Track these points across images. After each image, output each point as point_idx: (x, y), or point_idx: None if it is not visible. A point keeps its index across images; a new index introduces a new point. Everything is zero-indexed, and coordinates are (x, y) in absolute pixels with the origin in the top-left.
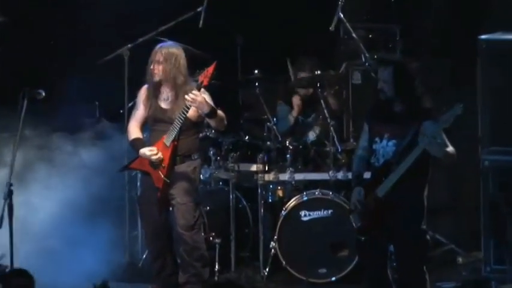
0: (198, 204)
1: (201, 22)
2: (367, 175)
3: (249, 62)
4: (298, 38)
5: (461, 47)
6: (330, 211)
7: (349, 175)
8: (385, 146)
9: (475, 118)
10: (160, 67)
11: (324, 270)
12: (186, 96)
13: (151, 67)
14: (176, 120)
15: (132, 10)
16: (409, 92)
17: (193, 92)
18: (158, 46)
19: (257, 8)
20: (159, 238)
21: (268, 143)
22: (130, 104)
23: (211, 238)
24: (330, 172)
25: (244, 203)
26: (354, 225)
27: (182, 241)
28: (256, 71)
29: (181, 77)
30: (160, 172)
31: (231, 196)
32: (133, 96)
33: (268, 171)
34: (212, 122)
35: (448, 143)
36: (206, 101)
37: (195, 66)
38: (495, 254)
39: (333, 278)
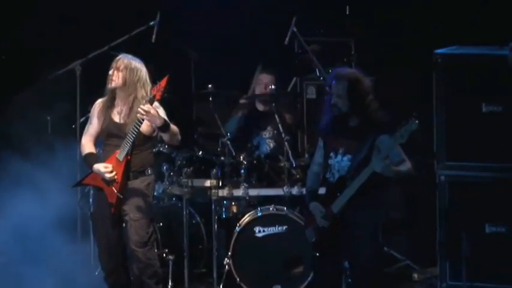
0: (152, 220)
1: (153, 37)
2: (322, 191)
3: (203, 77)
4: (252, 52)
5: (416, 61)
6: (284, 227)
7: (304, 191)
8: (340, 161)
9: (430, 132)
10: (120, 74)
11: (278, 287)
12: (139, 109)
13: (111, 73)
14: (129, 134)
15: (84, 24)
16: (364, 107)
17: (146, 105)
18: (122, 55)
19: (211, 22)
20: (112, 254)
21: (222, 158)
22: (82, 119)
23: (164, 255)
24: (285, 187)
25: (198, 219)
26: (309, 240)
27: (135, 258)
28: (210, 86)
29: (142, 91)
30: (113, 188)
31: (184, 212)
32: (85, 111)
33: (222, 187)
34: (165, 136)
35: (405, 157)
36: (159, 114)
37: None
38: (451, 270)
39: None
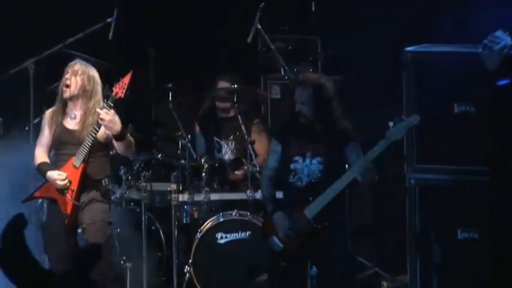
0: (110, 223)
1: (110, 34)
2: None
3: (162, 76)
4: (214, 50)
5: (385, 59)
6: (248, 233)
7: None
8: (309, 165)
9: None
10: (78, 80)
11: None
12: (98, 110)
13: (67, 78)
14: (86, 140)
15: (38, 21)
16: (329, 113)
17: (105, 108)
18: (76, 60)
19: (171, 19)
20: (66, 264)
21: (183, 161)
22: (36, 121)
23: (122, 262)
24: (248, 192)
25: (157, 225)
26: (274, 249)
27: (95, 263)
28: (169, 85)
29: (97, 96)
30: (68, 195)
31: (143, 217)
32: (39, 112)
33: (183, 191)
34: (119, 146)
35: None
36: (116, 120)
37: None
38: (421, 278)
39: None
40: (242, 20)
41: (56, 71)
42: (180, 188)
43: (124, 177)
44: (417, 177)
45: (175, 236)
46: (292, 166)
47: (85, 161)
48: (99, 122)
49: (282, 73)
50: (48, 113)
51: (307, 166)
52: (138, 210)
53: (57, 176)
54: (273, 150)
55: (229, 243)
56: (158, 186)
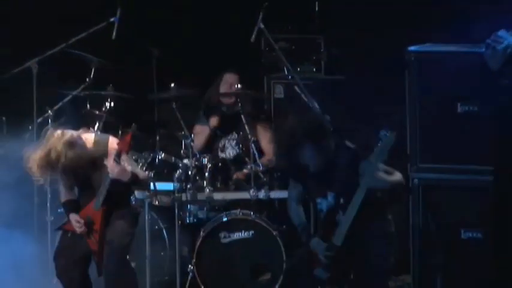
0: (129, 234)
1: (114, 33)
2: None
3: (165, 76)
4: (217, 50)
5: (388, 59)
6: (251, 232)
7: (271, 194)
8: (329, 201)
9: (403, 134)
10: (71, 155)
11: None
12: (106, 163)
13: (61, 160)
14: (102, 187)
15: (41, 21)
16: (331, 152)
17: (110, 164)
18: (52, 130)
19: (174, 18)
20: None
21: (186, 160)
22: (39, 120)
23: None
24: (251, 191)
25: (161, 224)
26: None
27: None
28: (172, 85)
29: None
30: (93, 237)
31: (146, 217)
32: (42, 112)
33: (186, 191)
34: (135, 186)
35: (392, 170)
36: (126, 170)
37: (108, 79)
38: (425, 278)
39: None
40: (245, 20)
41: (59, 70)
42: (183, 187)
43: None
44: (420, 176)
45: (178, 235)
46: (319, 207)
47: (104, 204)
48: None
49: (285, 73)
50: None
51: (327, 203)
52: (141, 209)
53: (75, 222)
54: (294, 186)
55: (232, 242)
56: (161, 185)
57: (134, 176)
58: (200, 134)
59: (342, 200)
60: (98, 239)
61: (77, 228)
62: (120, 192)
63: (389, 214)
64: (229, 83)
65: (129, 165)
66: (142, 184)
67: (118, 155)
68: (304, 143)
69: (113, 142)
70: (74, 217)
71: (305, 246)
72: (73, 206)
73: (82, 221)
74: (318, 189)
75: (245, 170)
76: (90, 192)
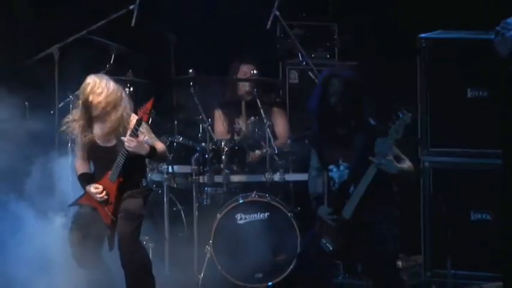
0: (140, 216)
1: (133, 21)
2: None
3: (183, 61)
4: (234, 36)
5: (401, 46)
6: (266, 214)
7: (286, 177)
8: (342, 172)
9: (414, 119)
10: (102, 99)
11: (260, 275)
12: (123, 138)
13: (90, 99)
14: (118, 158)
15: (63, 9)
16: (359, 109)
17: (128, 137)
18: (93, 76)
19: (191, 5)
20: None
21: (203, 144)
22: (60, 105)
23: (144, 242)
24: (266, 174)
25: (179, 206)
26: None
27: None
28: (190, 70)
29: (124, 110)
30: (107, 209)
31: (164, 199)
32: (63, 97)
33: (203, 173)
34: (153, 160)
35: (404, 156)
36: (143, 143)
37: (126, 65)
38: (435, 258)
39: (270, 283)
40: (261, 7)
41: (80, 56)
42: (201, 170)
43: (146, 160)
44: (431, 159)
45: (195, 216)
46: (330, 174)
47: (120, 176)
48: (126, 148)
49: (300, 59)
50: (75, 125)
51: (339, 173)
52: (160, 191)
53: (94, 190)
54: (313, 153)
55: (248, 223)
56: (179, 168)
57: (152, 149)
58: (220, 119)
59: (354, 173)
60: (112, 210)
61: (97, 196)
62: (135, 168)
63: (397, 196)
64: (245, 73)
65: (148, 136)
66: (161, 158)
67: (136, 129)
68: (344, 77)
69: (133, 117)
70: (91, 187)
71: (314, 214)
72: (89, 178)
73: (101, 188)
74: (332, 154)
75: (258, 152)
76: (106, 165)
